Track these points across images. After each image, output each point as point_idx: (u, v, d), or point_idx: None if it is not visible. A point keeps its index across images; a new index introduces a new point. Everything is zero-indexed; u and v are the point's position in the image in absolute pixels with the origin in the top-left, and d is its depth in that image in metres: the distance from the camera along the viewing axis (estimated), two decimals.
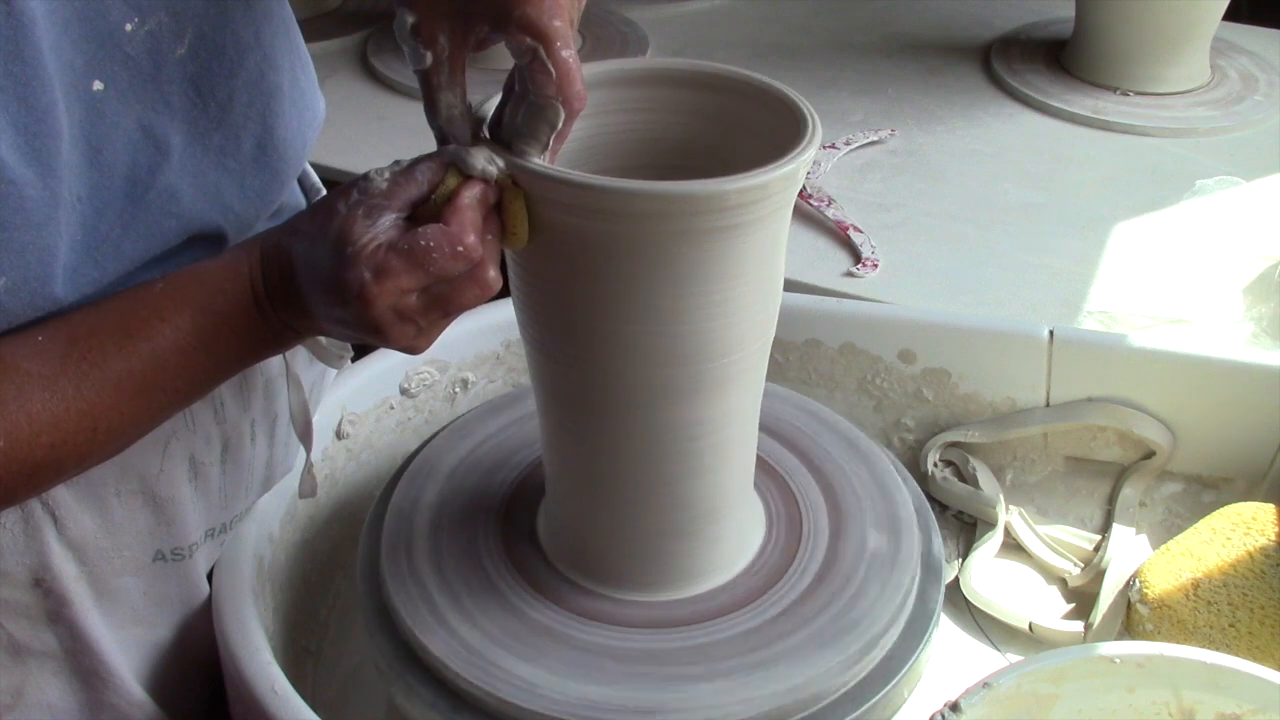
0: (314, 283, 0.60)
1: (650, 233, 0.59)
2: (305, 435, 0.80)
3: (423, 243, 0.57)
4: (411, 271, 0.58)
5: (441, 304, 0.59)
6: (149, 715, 0.77)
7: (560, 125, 0.60)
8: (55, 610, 0.72)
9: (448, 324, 0.62)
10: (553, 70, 0.58)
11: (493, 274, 0.60)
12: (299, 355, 0.80)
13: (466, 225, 0.58)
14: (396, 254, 0.57)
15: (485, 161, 0.60)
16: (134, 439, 0.64)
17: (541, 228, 0.61)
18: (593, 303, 0.63)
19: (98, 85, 0.62)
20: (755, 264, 0.62)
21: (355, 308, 0.58)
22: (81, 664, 0.74)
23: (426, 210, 0.60)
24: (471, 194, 0.59)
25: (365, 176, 0.60)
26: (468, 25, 0.60)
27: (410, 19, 0.60)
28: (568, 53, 0.58)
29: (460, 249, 0.58)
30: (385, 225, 0.58)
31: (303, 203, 0.83)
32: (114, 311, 0.62)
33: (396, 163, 0.61)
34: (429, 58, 0.60)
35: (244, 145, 0.70)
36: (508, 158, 0.60)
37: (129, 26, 0.62)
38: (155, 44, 0.64)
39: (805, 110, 0.63)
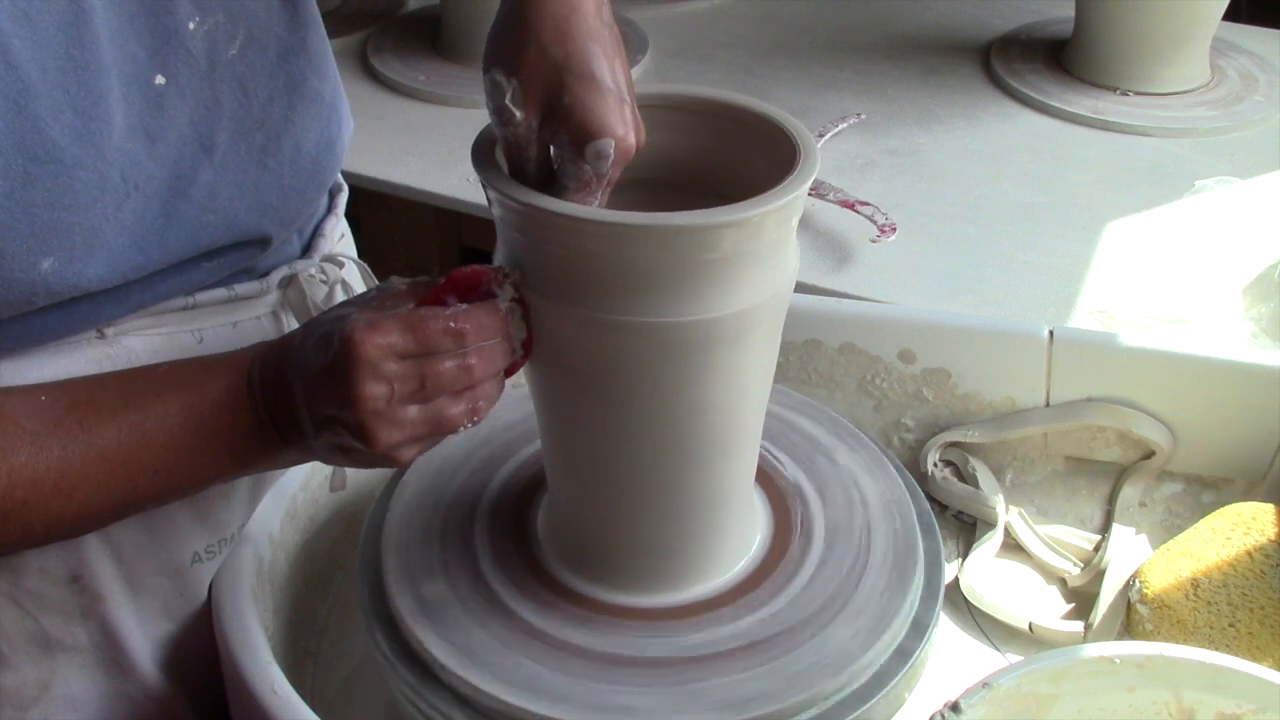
0: (303, 367, 0.60)
1: (644, 260, 0.59)
2: None
3: (420, 311, 0.58)
4: (401, 331, 0.57)
5: (425, 389, 0.59)
6: (166, 704, 0.78)
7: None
8: (89, 606, 0.74)
9: (427, 434, 0.61)
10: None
11: (483, 393, 0.61)
12: None
13: (468, 313, 0.59)
14: (389, 315, 0.58)
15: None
16: (110, 517, 0.64)
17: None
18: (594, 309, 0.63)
19: (160, 79, 0.64)
20: (755, 276, 0.62)
21: (341, 358, 0.57)
22: (107, 657, 0.75)
23: None
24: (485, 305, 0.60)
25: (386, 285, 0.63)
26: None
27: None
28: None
29: (453, 325, 0.58)
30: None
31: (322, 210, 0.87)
32: (116, 383, 0.63)
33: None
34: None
35: (284, 145, 0.72)
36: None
37: (192, 25, 0.65)
38: (213, 43, 0.67)
39: (798, 140, 0.63)
